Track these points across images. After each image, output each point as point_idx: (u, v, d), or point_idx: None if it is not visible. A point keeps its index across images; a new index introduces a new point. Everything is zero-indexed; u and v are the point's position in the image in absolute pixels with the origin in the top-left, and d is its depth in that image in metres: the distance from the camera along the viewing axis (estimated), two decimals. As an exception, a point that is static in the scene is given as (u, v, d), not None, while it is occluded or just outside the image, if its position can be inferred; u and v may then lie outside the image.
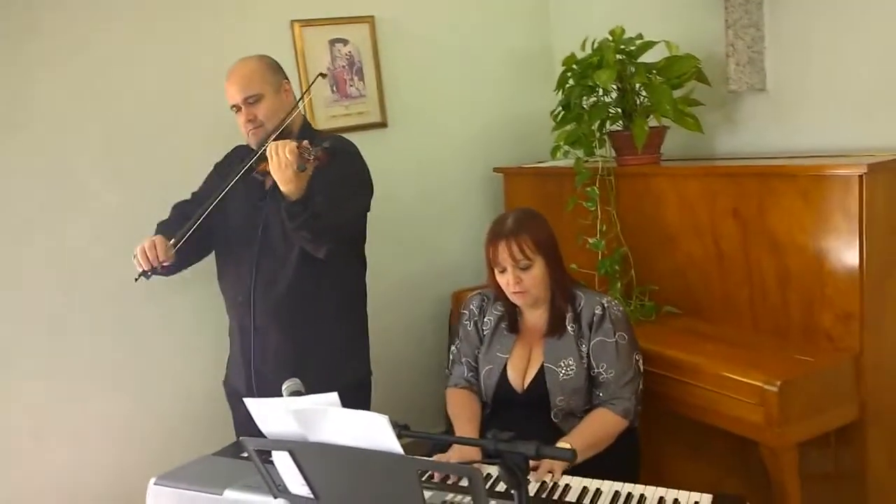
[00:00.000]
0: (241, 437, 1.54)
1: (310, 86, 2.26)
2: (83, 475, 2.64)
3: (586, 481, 1.71)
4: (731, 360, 2.04)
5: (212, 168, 2.43)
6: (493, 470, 1.71)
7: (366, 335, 2.39)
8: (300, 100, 2.22)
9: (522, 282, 1.97)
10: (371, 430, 1.35)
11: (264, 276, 2.19)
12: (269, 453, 1.51)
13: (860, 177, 1.90)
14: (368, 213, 2.37)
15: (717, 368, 2.03)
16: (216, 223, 2.26)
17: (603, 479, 1.71)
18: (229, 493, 1.75)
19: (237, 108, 2.19)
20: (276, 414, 1.50)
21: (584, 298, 2.03)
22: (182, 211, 2.33)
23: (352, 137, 2.76)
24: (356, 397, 2.27)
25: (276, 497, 1.58)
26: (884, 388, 2.02)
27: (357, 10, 3.03)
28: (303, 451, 1.46)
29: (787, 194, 2.08)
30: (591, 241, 2.59)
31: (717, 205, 2.28)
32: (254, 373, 2.23)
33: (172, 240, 2.08)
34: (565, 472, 1.74)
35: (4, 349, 2.52)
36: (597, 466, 1.81)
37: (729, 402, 1.98)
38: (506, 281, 1.99)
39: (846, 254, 1.97)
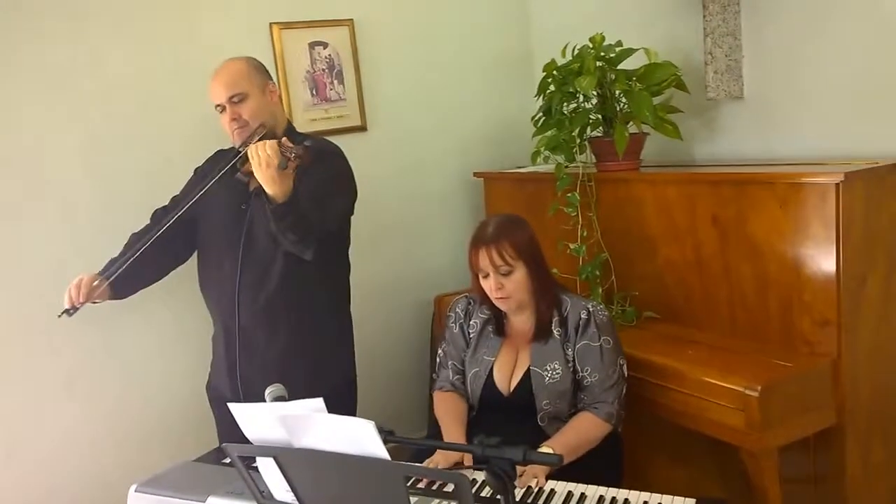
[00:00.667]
0: (223, 444, 1.53)
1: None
2: (63, 483, 2.61)
3: (571, 486, 1.74)
4: (712, 364, 2.08)
5: (192, 173, 2.43)
6: (480, 475, 1.72)
7: (350, 336, 2.40)
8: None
9: (504, 287, 1.99)
10: (357, 436, 1.35)
11: (249, 277, 2.19)
12: (253, 459, 1.51)
13: (837, 185, 1.94)
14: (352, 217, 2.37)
15: (697, 373, 2.06)
16: (199, 221, 2.26)
17: (587, 483, 1.73)
18: (213, 501, 1.75)
19: (221, 107, 2.19)
20: (260, 419, 1.50)
21: (570, 303, 2.05)
22: (158, 219, 2.32)
23: (332, 140, 2.78)
24: (343, 398, 2.30)
25: (260, 503, 1.58)
26: (861, 393, 2.06)
27: (337, 13, 3.03)
28: (288, 458, 1.46)
29: (766, 201, 2.12)
30: (572, 246, 2.62)
31: (697, 211, 2.31)
32: (239, 376, 2.23)
33: (104, 275, 2.13)
34: (549, 477, 1.75)
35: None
36: (581, 471, 1.83)
37: (710, 406, 2.01)
38: (489, 286, 2.01)
39: (823, 260, 2.01)
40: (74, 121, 2.59)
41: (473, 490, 1.70)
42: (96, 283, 2.11)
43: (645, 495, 1.64)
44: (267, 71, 2.30)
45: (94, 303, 2.15)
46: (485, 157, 3.37)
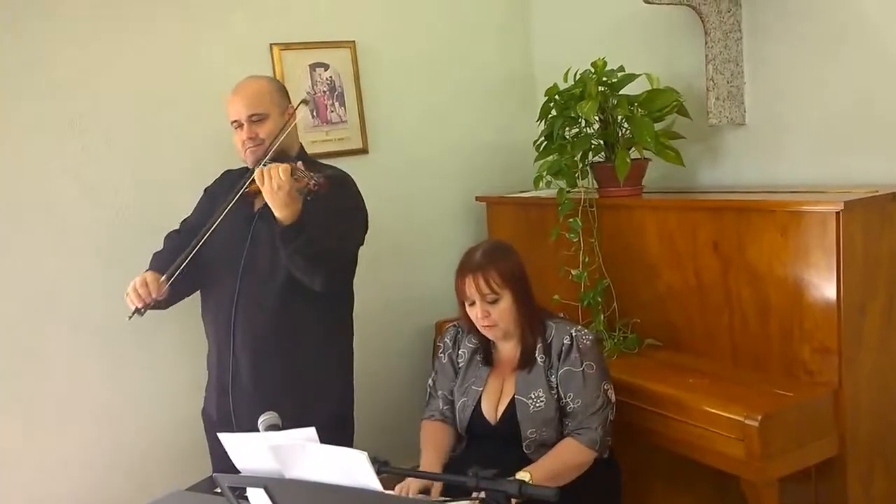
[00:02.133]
0: (214, 473, 1.54)
1: (295, 110, 2.29)
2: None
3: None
4: (712, 393, 2.10)
5: (202, 192, 2.45)
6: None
7: (349, 367, 2.40)
8: (287, 123, 2.23)
9: (491, 315, 2.02)
10: (349, 467, 1.37)
11: (247, 299, 2.19)
12: (243, 489, 1.51)
13: (837, 213, 1.97)
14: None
15: (697, 402, 2.08)
16: (204, 245, 2.28)
17: None
18: (201, 530, 1.76)
19: (238, 124, 2.21)
20: (251, 449, 1.51)
21: (555, 328, 2.08)
22: (174, 242, 2.34)
23: (333, 163, 2.81)
24: (332, 432, 2.24)
25: (253, 534, 1.58)
26: (862, 423, 2.08)
27: (338, 34, 3.08)
28: (278, 488, 1.47)
29: (766, 229, 2.14)
30: (573, 272, 2.63)
31: (698, 238, 2.34)
32: (232, 400, 2.23)
33: (165, 275, 2.12)
34: None
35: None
36: (576, 501, 1.83)
37: (710, 436, 2.03)
38: (475, 314, 2.04)
39: (824, 289, 2.03)
40: (73, 144, 2.63)
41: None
42: (162, 279, 2.11)
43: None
44: (287, 94, 2.34)
45: (157, 304, 2.13)
46: (487, 182, 3.41)
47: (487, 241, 2.17)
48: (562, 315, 2.29)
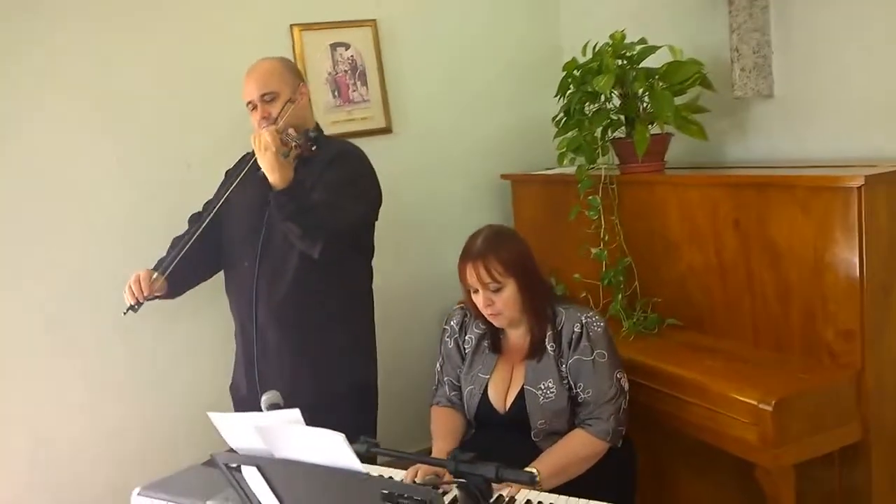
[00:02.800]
0: (212, 453, 1.57)
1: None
2: (83, 485, 2.71)
3: (571, 500, 1.71)
4: (729, 376, 2.04)
5: (223, 176, 2.49)
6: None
7: (370, 340, 2.43)
8: (294, 101, 2.24)
9: (494, 304, 1.97)
10: (330, 448, 1.37)
11: (266, 275, 2.25)
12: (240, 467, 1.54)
13: (858, 189, 1.88)
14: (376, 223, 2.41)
15: (712, 385, 2.03)
16: (225, 221, 2.33)
17: (592, 498, 1.69)
18: (209, 506, 1.80)
19: (252, 105, 2.26)
20: (240, 429, 1.53)
21: (565, 315, 2.01)
22: (195, 223, 2.39)
23: (355, 143, 2.81)
24: (354, 404, 2.32)
25: (252, 513, 1.61)
26: (887, 408, 2.01)
27: (359, 13, 3.07)
28: (270, 468, 1.49)
29: (787, 206, 2.07)
30: (593, 251, 2.59)
31: (718, 215, 2.27)
32: (257, 372, 2.29)
33: (160, 269, 2.19)
34: (553, 491, 1.73)
35: (4, 354, 2.62)
36: (586, 485, 1.82)
37: (723, 419, 1.98)
38: (479, 302, 1.99)
39: (846, 268, 1.96)
40: (96, 125, 2.70)
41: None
42: (155, 276, 2.18)
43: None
44: (300, 72, 2.37)
45: (156, 297, 2.22)
46: (513, 159, 3.37)
47: (490, 225, 2.08)
48: (584, 294, 2.21)
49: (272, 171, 1.97)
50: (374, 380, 2.44)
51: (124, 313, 2.15)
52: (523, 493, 1.73)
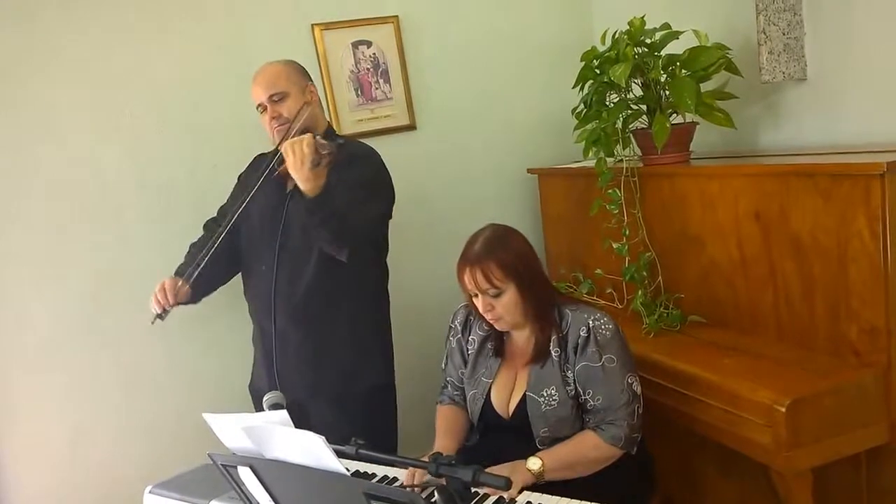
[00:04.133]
0: (209, 452, 1.61)
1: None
2: (119, 477, 2.81)
3: (574, 503, 1.69)
4: (745, 375, 1.98)
5: (236, 180, 2.56)
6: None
7: (387, 339, 2.45)
8: (297, 115, 2.26)
9: (495, 309, 1.91)
10: (312, 450, 1.40)
11: (284, 276, 2.29)
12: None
13: (881, 176, 1.79)
14: (391, 221, 2.42)
15: (727, 384, 1.97)
16: (241, 225, 2.38)
17: (604, 500, 1.67)
18: (214, 504, 1.85)
19: (262, 107, 2.31)
20: (232, 430, 1.57)
21: (571, 318, 1.94)
22: (210, 230, 2.47)
23: (380, 141, 2.85)
24: (378, 402, 2.37)
25: (250, 512, 1.65)
26: (917, 408, 1.90)
27: (380, 10, 3.08)
28: (263, 468, 1.52)
29: (808, 196, 1.98)
30: (615, 245, 2.55)
31: (739, 206, 2.20)
32: (276, 373, 2.34)
33: (184, 276, 2.26)
34: (560, 494, 1.71)
35: (38, 353, 2.73)
36: (597, 488, 1.79)
37: (738, 420, 1.92)
38: (479, 306, 1.94)
39: (870, 261, 1.87)
40: (120, 128, 2.78)
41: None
42: (180, 283, 2.25)
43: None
44: (307, 73, 2.40)
45: (180, 304, 2.28)
46: (541, 152, 3.34)
47: (490, 225, 2.00)
48: (609, 290, 2.13)
49: (307, 182, 1.97)
50: (393, 379, 2.46)
51: (152, 322, 2.23)
52: (524, 496, 1.72)
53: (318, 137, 2.00)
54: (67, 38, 2.69)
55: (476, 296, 1.94)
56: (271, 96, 2.27)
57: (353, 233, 2.12)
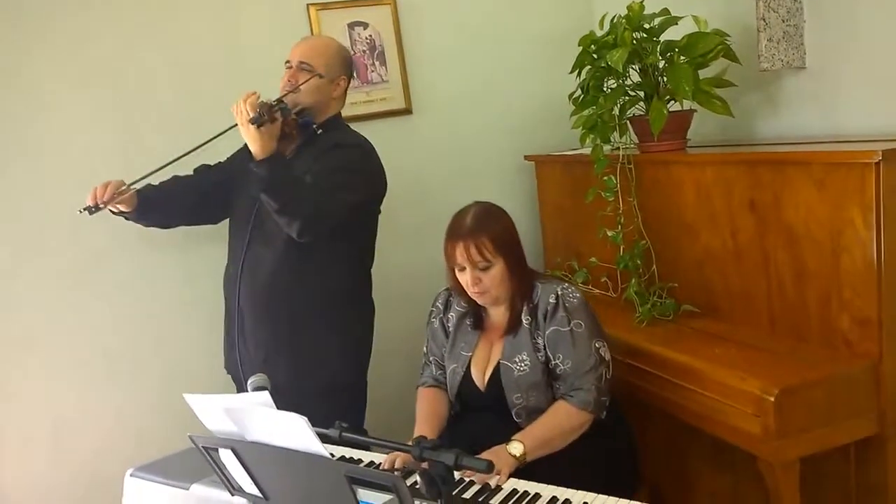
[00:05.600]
0: (190, 434, 1.61)
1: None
2: (102, 463, 2.81)
3: (557, 490, 1.70)
4: (735, 364, 1.99)
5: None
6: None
7: (353, 338, 2.38)
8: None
9: (482, 282, 1.98)
10: (294, 431, 1.40)
11: (252, 257, 2.28)
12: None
13: (876, 164, 1.79)
14: (383, 205, 2.42)
15: (716, 373, 1.98)
16: (232, 200, 2.39)
17: (591, 473, 1.73)
18: (195, 488, 1.85)
19: (289, 65, 2.32)
20: (213, 411, 1.57)
21: (541, 288, 2.02)
22: (199, 172, 2.48)
23: (374, 125, 2.85)
24: (331, 402, 2.22)
25: (232, 495, 1.66)
26: (907, 400, 1.90)
27: (377, -9, 3.06)
28: (245, 450, 1.52)
29: (802, 185, 1.99)
30: (610, 233, 2.55)
31: (734, 195, 2.20)
32: (238, 354, 2.32)
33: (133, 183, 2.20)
34: (547, 482, 1.71)
35: (17, 340, 2.72)
36: (586, 464, 1.83)
37: (726, 409, 1.93)
38: (465, 280, 2.00)
39: (863, 251, 1.87)
40: (111, 110, 2.76)
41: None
42: (123, 187, 2.18)
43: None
44: (350, 67, 2.41)
45: (117, 209, 2.22)
46: (538, 140, 3.32)
47: (478, 202, 2.08)
48: (603, 279, 2.16)
49: (253, 141, 2.01)
50: (356, 379, 2.39)
51: (79, 211, 2.13)
52: (510, 483, 1.73)
53: (269, 99, 2.04)
54: (59, 25, 2.67)
55: (463, 270, 1.99)
56: (301, 62, 2.28)
57: (312, 214, 2.09)
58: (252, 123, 1.97)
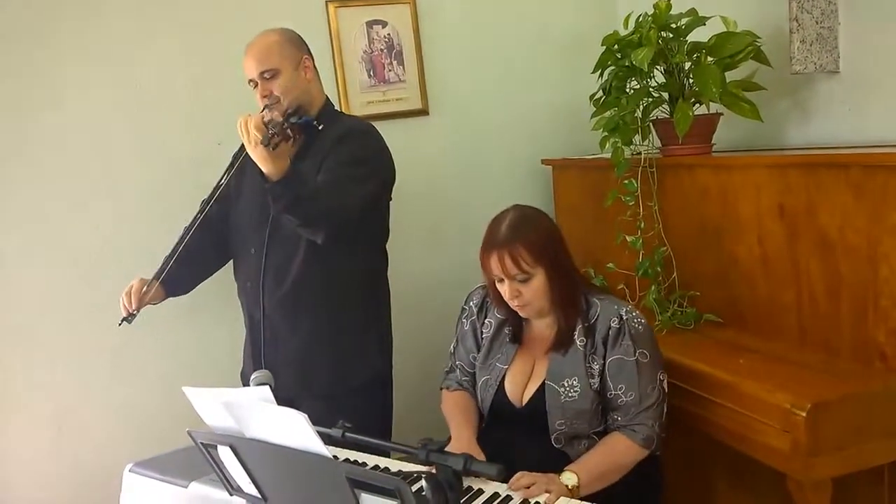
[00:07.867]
0: (188, 430, 1.52)
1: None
2: (104, 455, 2.73)
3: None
4: (763, 377, 1.87)
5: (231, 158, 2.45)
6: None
7: (384, 331, 2.34)
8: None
9: (522, 294, 1.80)
10: (294, 429, 1.31)
11: (273, 263, 2.19)
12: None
13: (917, 168, 1.67)
14: (398, 208, 2.33)
15: (742, 386, 1.86)
16: (230, 210, 2.30)
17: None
18: (194, 486, 1.77)
19: (254, 83, 2.19)
20: (212, 406, 1.48)
21: (600, 307, 1.83)
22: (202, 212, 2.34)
23: (390, 125, 2.76)
24: (372, 397, 2.25)
25: (231, 495, 1.57)
26: (947, 419, 1.77)
27: (397, -11, 2.99)
28: (244, 448, 1.44)
29: (837, 190, 1.87)
30: (629, 238, 2.44)
31: (762, 200, 2.09)
32: (263, 359, 2.24)
33: (154, 276, 2.15)
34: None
35: (27, 338, 2.66)
36: (606, 494, 1.70)
37: (754, 424, 1.81)
38: (504, 291, 1.83)
39: (903, 259, 1.75)
40: (124, 102, 2.70)
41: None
42: (145, 288, 2.14)
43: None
44: (303, 43, 2.26)
45: (153, 304, 2.21)
46: (556, 143, 3.23)
47: (516, 206, 1.89)
48: (620, 286, 2.04)
49: (265, 163, 1.85)
50: (389, 373, 2.34)
51: (119, 324, 2.13)
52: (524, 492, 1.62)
53: (272, 116, 1.91)
54: (76, 12, 2.61)
55: (501, 281, 1.83)
56: (262, 73, 2.14)
57: (332, 214, 1.99)
58: (264, 146, 1.82)
